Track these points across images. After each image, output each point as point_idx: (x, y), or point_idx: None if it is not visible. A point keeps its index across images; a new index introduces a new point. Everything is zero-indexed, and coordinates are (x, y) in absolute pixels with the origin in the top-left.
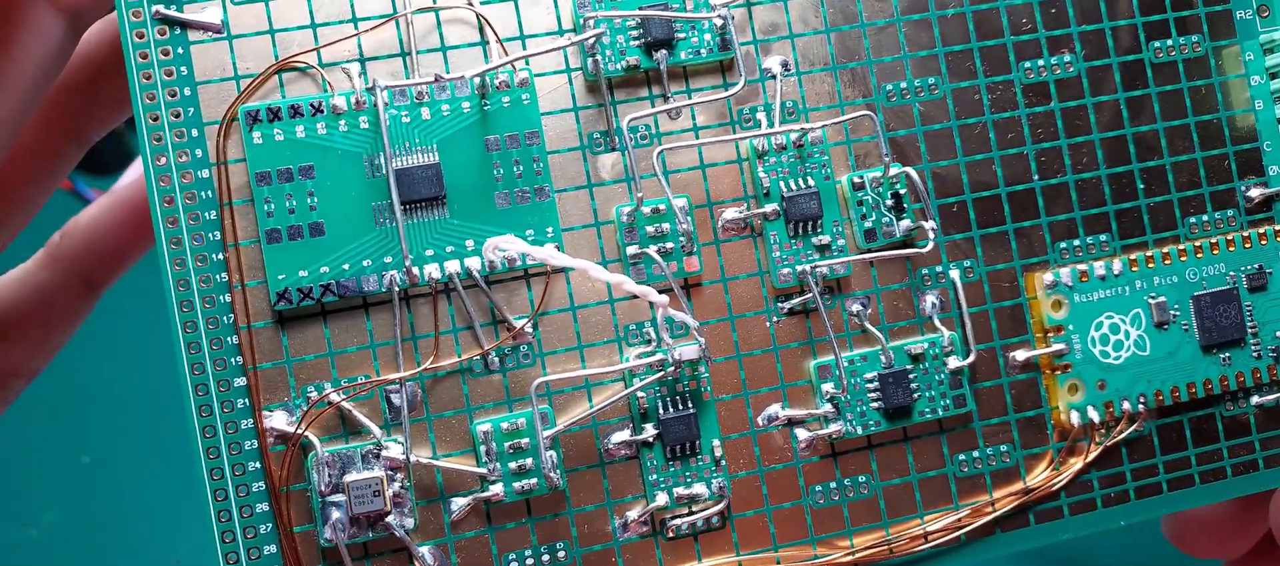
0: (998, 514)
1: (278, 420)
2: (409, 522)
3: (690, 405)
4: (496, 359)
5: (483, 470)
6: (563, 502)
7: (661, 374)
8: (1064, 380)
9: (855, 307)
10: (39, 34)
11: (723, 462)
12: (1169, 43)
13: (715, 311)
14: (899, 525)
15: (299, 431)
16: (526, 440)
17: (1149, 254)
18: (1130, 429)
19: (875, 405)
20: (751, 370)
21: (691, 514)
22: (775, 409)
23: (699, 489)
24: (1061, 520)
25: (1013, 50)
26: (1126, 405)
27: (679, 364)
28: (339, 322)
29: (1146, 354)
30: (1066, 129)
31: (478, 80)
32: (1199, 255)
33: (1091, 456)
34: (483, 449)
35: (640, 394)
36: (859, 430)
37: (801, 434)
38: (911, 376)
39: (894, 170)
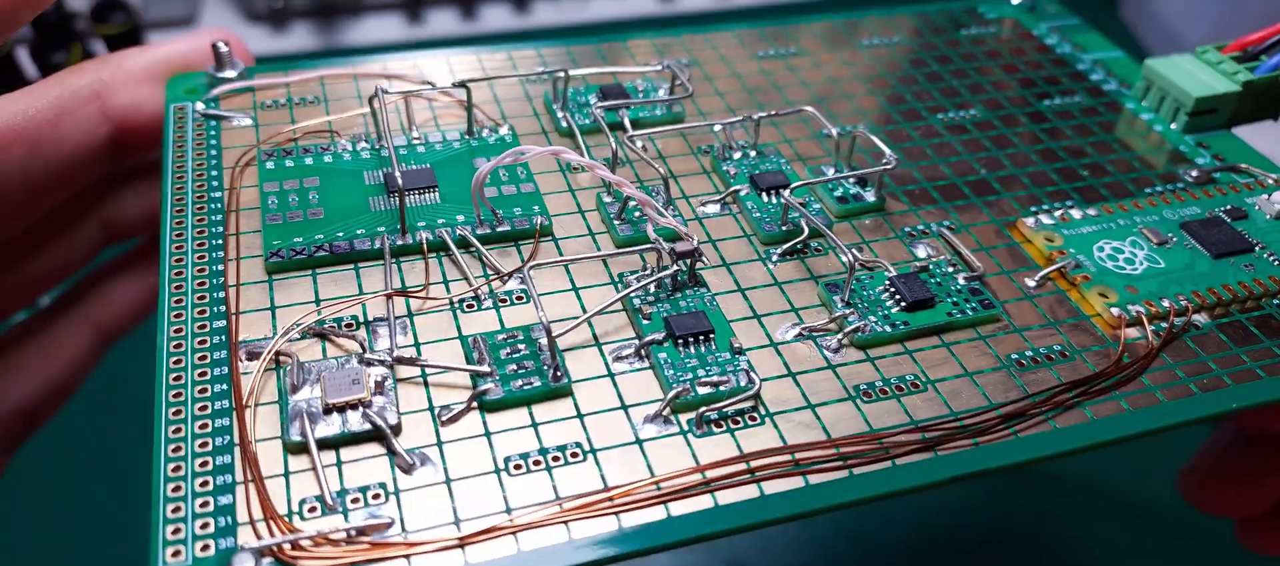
0: (1078, 399)
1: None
2: (392, 417)
3: (695, 305)
4: (489, 300)
5: (478, 367)
6: (570, 405)
7: (659, 274)
8: (1089, 288)
9: (846, 257)
10: (86, 133)
11: (745, 352)
12: (1057, 101)
13: (710, 262)
14: (971, 416)
15: (274, 344)
16: (523, 345)
17: (1121, 203)
18: (1185, 319)
19: (897, 306)
20: (758, 301)
21: (724, 403)
22: (791, 324)
23: (724, 378)
24: (1156, 406)
25: (925, 111)
26: (1167, 303)
27: (676, 257)
28: (329, 277)
29: (1163, 267)
30: (994, 144)
31: (466, 131)
32: (1167, 202)
33: (1157, 345)
34: (474, 354)
35: (640, 304)
36: (887, 328)
37: (829, 340)
38: (925, 277)
39: (840, 133)
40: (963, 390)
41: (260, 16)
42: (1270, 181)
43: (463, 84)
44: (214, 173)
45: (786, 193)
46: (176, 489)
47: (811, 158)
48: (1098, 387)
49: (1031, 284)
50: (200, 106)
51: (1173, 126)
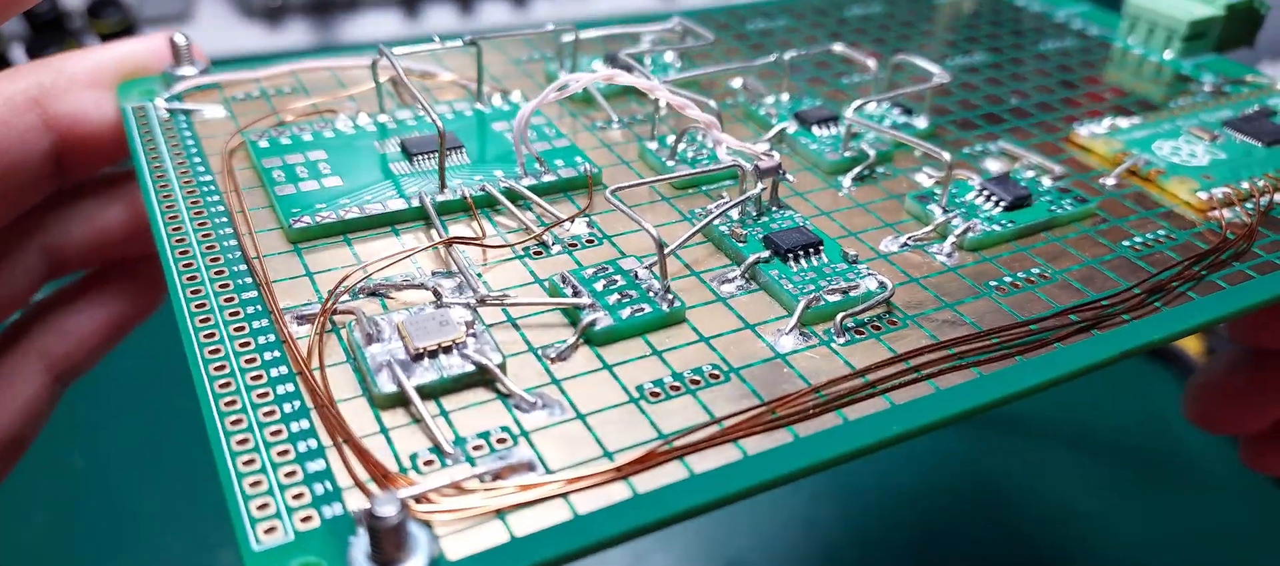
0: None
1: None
2: (495, 357)
3: (785, 225)
4: (557, 245)
5: (577, 299)
6: (689, 331)
7: (745, 196)
8: (1168, 179)
9: (919, 177)
10: (24, 146)
11: (861, 261)
12: (1051, 44)
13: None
14: (1112, 296)
15: (330, 300)
16: (619, 277)
17: (1159, 113)
18: (1269, 197)
19: (996, 208)
20: (847, 220)
21: (860, 309)
22: (890, 237)
23: (852, 283)
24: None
25: (934, 59)
26: (1247, 184)
27: (759, 174)
28: (365, 243)
29: (1225, 158)
30: (1012, 80)
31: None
32: (1198, 109)
33: (1255, 220)
34: (567, 290)
35: (728, 228)
36: (996, 228)
37: (939, 246)
38: (1015, 179)
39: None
40: (1094, 276)
41: (256, 13)
42: None
43: (473, 42)
44: (197, 161)
45: (849, 112)
46: (250, 461)
47: (845, 99)
48: (1219, 261)
49: (1110, 183)
50: (162, 103)
51: (1168, 55)
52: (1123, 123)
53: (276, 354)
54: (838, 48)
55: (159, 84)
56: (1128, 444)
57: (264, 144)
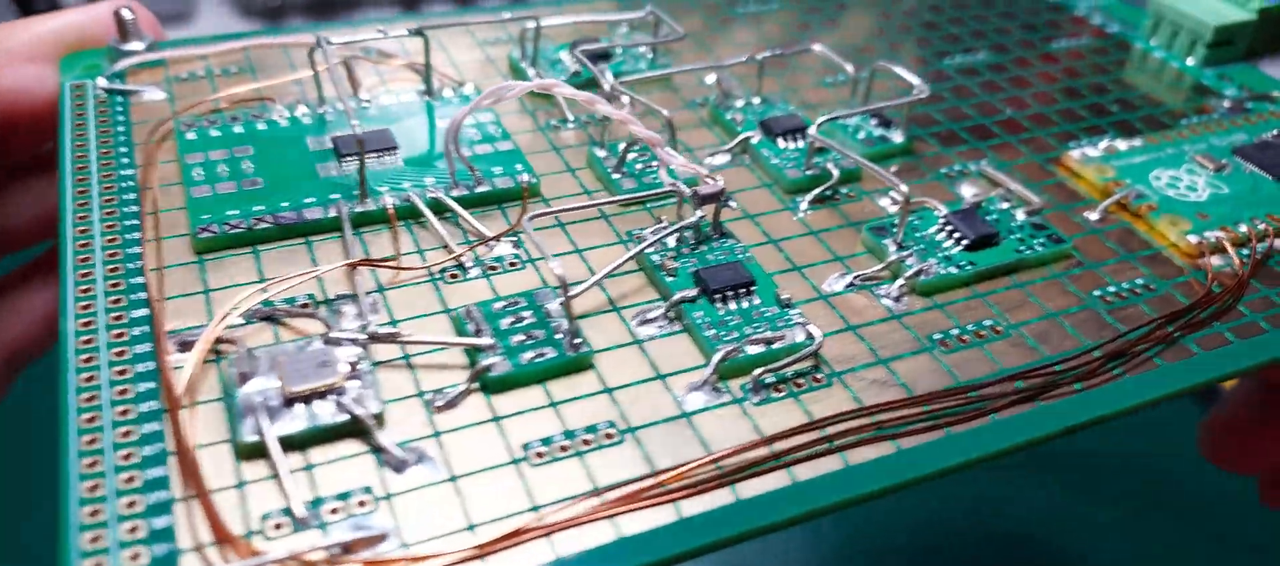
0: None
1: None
2: (373, 406)
3: (726, 258)
4: (476, 268)
5: (476, 340)
6: (594, 379)
7: (681, 224)
8: (1158, 217)
9: (883, 201)
10: None
11: (795, 304)
12: (1066, 43)
13: (728, 217)
14: (1067, 360)
15: (213, 327)
16: (528, 312)
17: (1165, 134)
18: (1268, 243)
19: (958, 246)
20: (794, 252)
21: (782, 363)
22: (837, 273)
23: (778, 334)
24: (1265, 335)
25: (932, 56)
26: (1245, 227)
27: (699, 200)
28: (274, 254)
29: (1228, 192)
30: (1013, 84)
31: (423, 88)
32: (1211, 130)
33: (1247, 272)
34: (469, 327)
35: (661, 261)
36: (953, 270)
37: (887, 288)
38: (983, 215)
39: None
40: (1052, 333)
41: (256, 11)
42: None
43: (419, 32)
44: (123, 150)
45: (812, 129)
46: (94, 513)
47: (822, 103)
48: (1197, 320)
49: (1094, 217)
50: (102, 82)
51: (1190, 61)
52: (1121, 145)
53: (152, 385)
54: (817, 48)
55: (106, 59)
56: (1141, 467)
57: (191, 135)
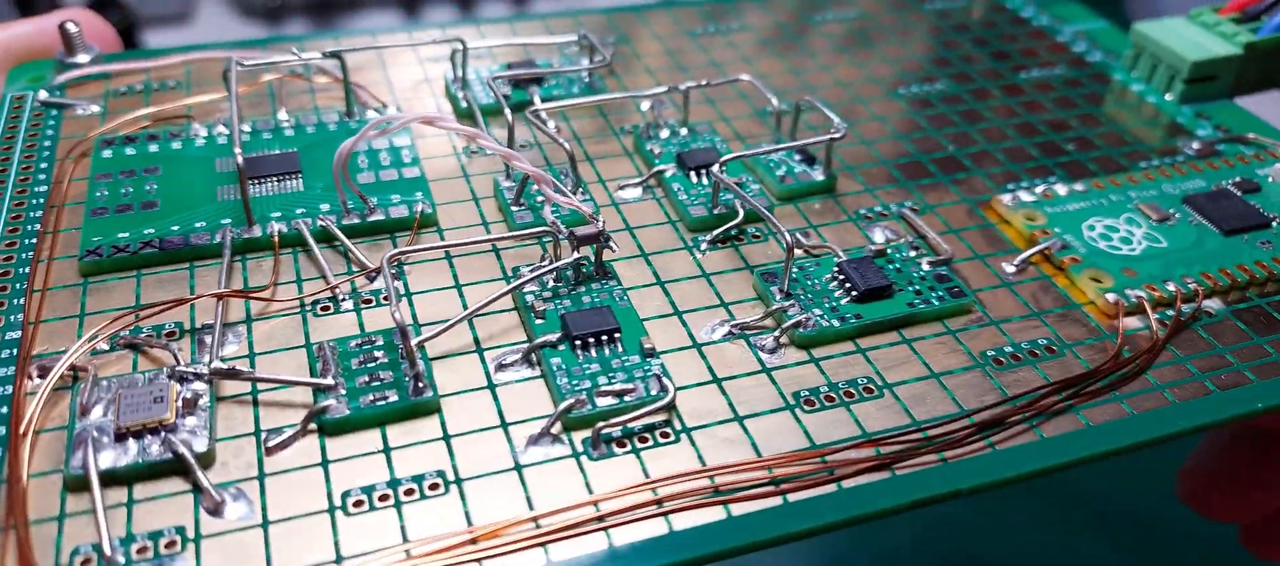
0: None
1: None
2: (200, 444)
3: (602, 300)
4: (349, 301)
5: (320, 380)
6: (436, 424)
7: (557, 264)
8: (1079, 272)
9: (785, 238)
10: None
11: (659, 355)
12: (1036, 74)
13: (624, 252)
14: (937, 425)
15: (69, 356)
16: (383, 352)
17: (1113, 178)
18: (1195, 305)
19: (847, 296)
20: (681, 295)
21: (629, 417)
22: (719, 320)
23: (630, 386)
24: (1166, 408)
25: (885, 87)
26: (1173, 286)
27: (576, 241)
28: (156, 279)
29: (1165, 246)
30: (965, 119)
31: (343, 110)
32: (1167, 176)
33: (1163, 337)
34: (319, 365)
35: (535, 301)
36: (835, 323)
37: (764, 339)
38: (881, 263)
39: (781, 105)
40: (928, 395)
41: (256, 12)
42: None
43: (335, 55)
44: (43, 165)
45: (716, 168)
46: None
47: (752, 135)
48: (1093, 388)
49: (1010, 269)
50: (42, 95)
51: (1168, 97)
52: (1061, 189)
53: (4, 410)
54: (745, 77)
55: (52, 71)
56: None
57: (107, 153)
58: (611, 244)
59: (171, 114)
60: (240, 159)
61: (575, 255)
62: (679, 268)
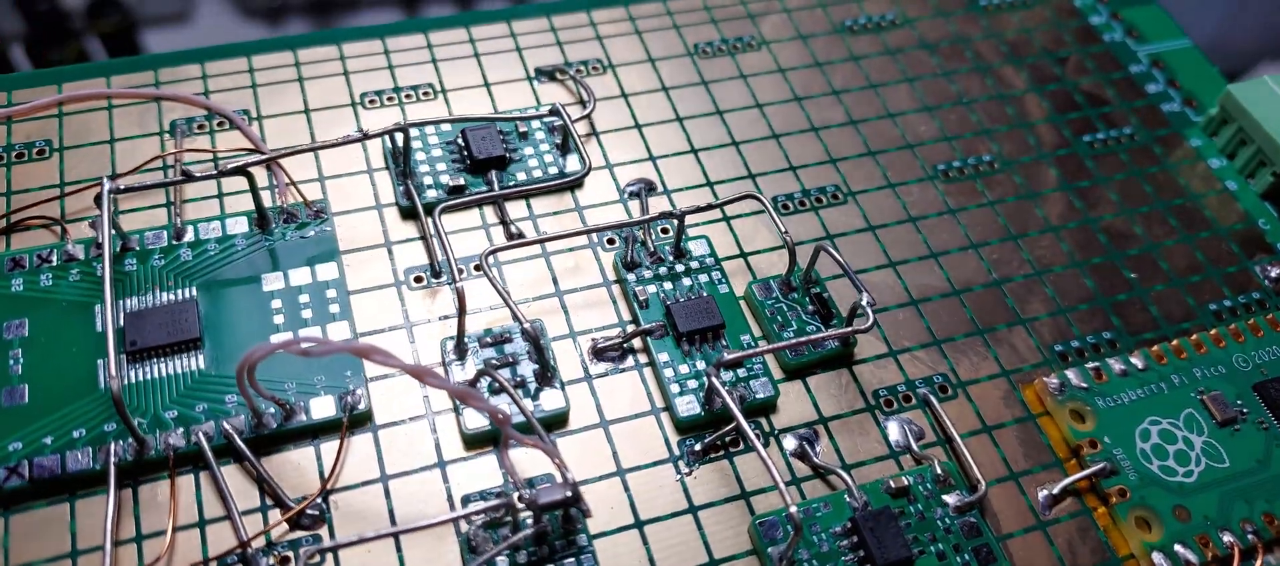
0: None
1: None
2: None
3: None
4: (266, 560)
5: None
6: None
7: (514, 538)
8: (1126, 512)
9: (791, 443)
10: None
11: None
12: (1099, 135)
13: (594, 466)
14: None
15: None
16: None
17: (1175, 343)
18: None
19: (859, 564)
20: (663, 549)
21: None
22: None
23: None
24: None
25: (919, 155)
26: (1230, 537)
27: (539, 512)
28: (26, 523)
29: (1226, 464)
30: (1012, 223)
31: (255, 213)
32: (1240, 339)
33: None
34: None
35: None
36: None
37: None
38: (900, 518)
39: (790, 235)
40: None
41: (256, 12)
42: None
43: (241, 170)
44: None
45: (712, 372)
46: None
47: (757, 249)
48: None
49: (1049, 495)
50: None
51: (1251, 184)
52: (1116, 365)
53: None
54: (755, 199)
55: None
56: None
57: None
58: (586, 512)
59: (34, 217)
60: (114, 382)
61: (533, 527)
62: (663, 498)
